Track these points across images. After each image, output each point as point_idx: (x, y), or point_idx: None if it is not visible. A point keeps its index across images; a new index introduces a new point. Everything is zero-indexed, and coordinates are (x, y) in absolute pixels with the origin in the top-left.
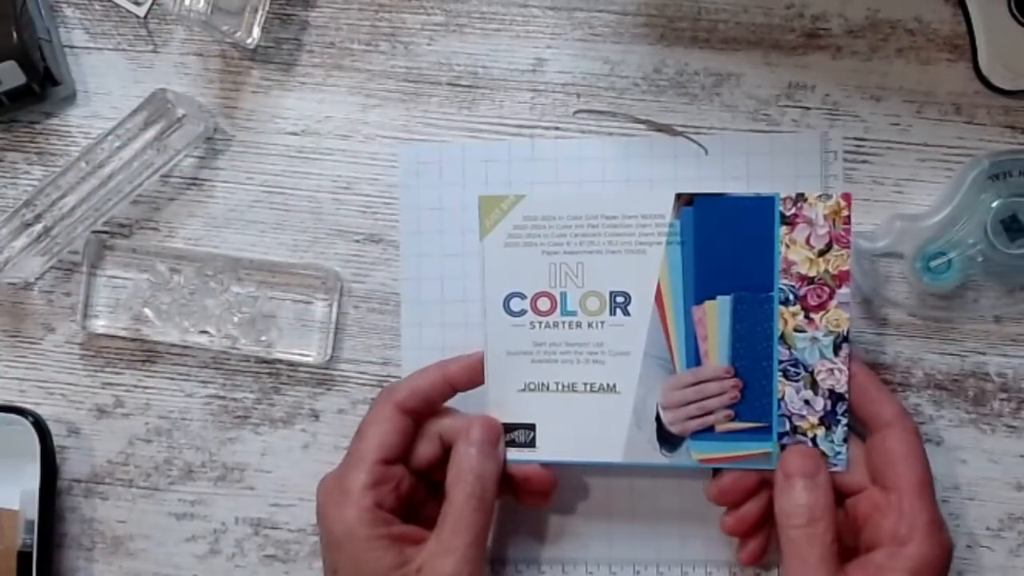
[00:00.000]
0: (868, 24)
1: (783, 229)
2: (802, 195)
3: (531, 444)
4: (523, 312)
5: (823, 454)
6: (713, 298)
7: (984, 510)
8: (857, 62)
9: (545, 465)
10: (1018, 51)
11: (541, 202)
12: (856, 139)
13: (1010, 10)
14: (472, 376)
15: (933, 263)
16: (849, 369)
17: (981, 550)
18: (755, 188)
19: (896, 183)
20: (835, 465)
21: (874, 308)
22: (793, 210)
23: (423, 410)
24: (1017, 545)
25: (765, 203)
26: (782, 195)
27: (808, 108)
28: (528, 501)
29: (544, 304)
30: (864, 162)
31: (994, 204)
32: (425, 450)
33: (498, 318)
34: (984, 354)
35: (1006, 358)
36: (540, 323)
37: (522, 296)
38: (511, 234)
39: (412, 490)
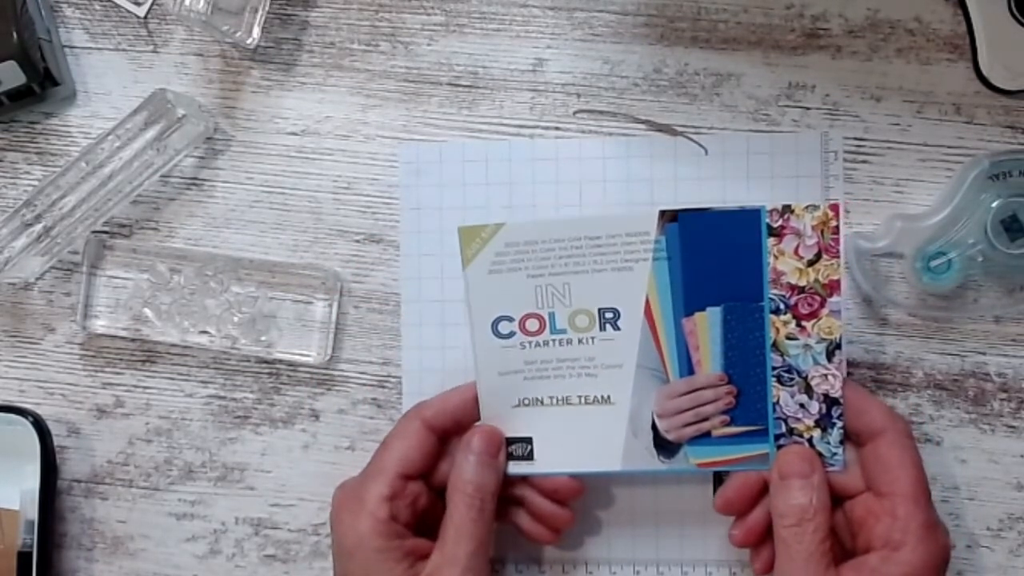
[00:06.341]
0: (868, 24)
1: (771, 240)
2: (788, 207)
3: (529, 457)
4: (512, 334)
5: (820, 455)
6: (703, 309)
7: (984, 510)
8: (857, 62)
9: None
10: (1018, 51)
11: (522, 229)
12: (856, 139)
13: (1010, 10)
14: None
15: (933, 263)
16: (843, 375)
17: (981, 550)
18: (755, 188)
19: (896, 183)
20: (832, 466)
21: (874, 308)
22: (780, 221)
23: (450, 428)
24: (1017, 545)
25: (751, 216)
26: (768, 207)
27: (808, 108)
28: (536, 534)
29: (533, 325)
30: (864, 162)
31: (994, 204)
32: (448, 468)
33: (487, 342)
34: (984, 354)
35: (1006, 358)
36: (530, 343)
37: (510, 319)
38: (494, 261)
39: (430, 506)
